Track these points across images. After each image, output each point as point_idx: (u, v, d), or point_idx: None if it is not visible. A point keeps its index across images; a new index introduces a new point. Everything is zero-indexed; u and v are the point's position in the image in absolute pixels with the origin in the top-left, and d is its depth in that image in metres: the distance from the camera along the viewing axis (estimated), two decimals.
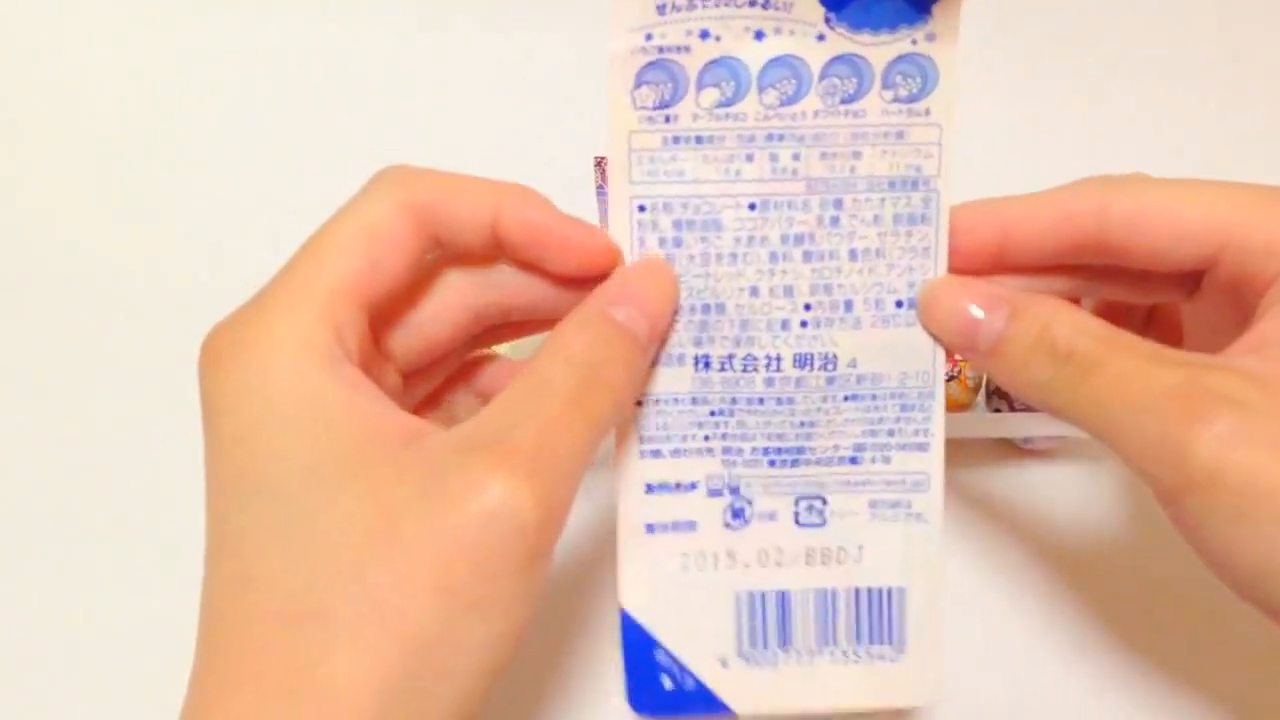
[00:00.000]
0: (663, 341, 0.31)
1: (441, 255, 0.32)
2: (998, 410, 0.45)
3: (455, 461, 0.25)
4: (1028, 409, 0.44)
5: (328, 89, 0.61)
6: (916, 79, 0.30)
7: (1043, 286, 0.31)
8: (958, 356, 0.45)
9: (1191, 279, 0.31)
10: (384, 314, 0.30)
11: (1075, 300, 0.32)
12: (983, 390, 0.47)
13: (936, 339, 0.31)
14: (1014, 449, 0.47)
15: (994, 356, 0.30)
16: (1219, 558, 0.26)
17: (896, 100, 0.30)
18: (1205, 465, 0.25)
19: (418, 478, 0.25)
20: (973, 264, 0.31)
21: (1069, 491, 0.46)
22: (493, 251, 0.31)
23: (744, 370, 0.31)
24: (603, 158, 0.57)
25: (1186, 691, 0.41)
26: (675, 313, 0.31)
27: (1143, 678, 0.41)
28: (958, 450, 0.47)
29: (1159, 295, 0.32)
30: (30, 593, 0.43)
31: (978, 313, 0.30)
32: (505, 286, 0.31)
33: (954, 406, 0.45)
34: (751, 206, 0.30)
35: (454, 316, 0.32)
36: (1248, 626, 0.42)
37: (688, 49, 0.29)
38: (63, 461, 0.48)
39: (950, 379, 0.45)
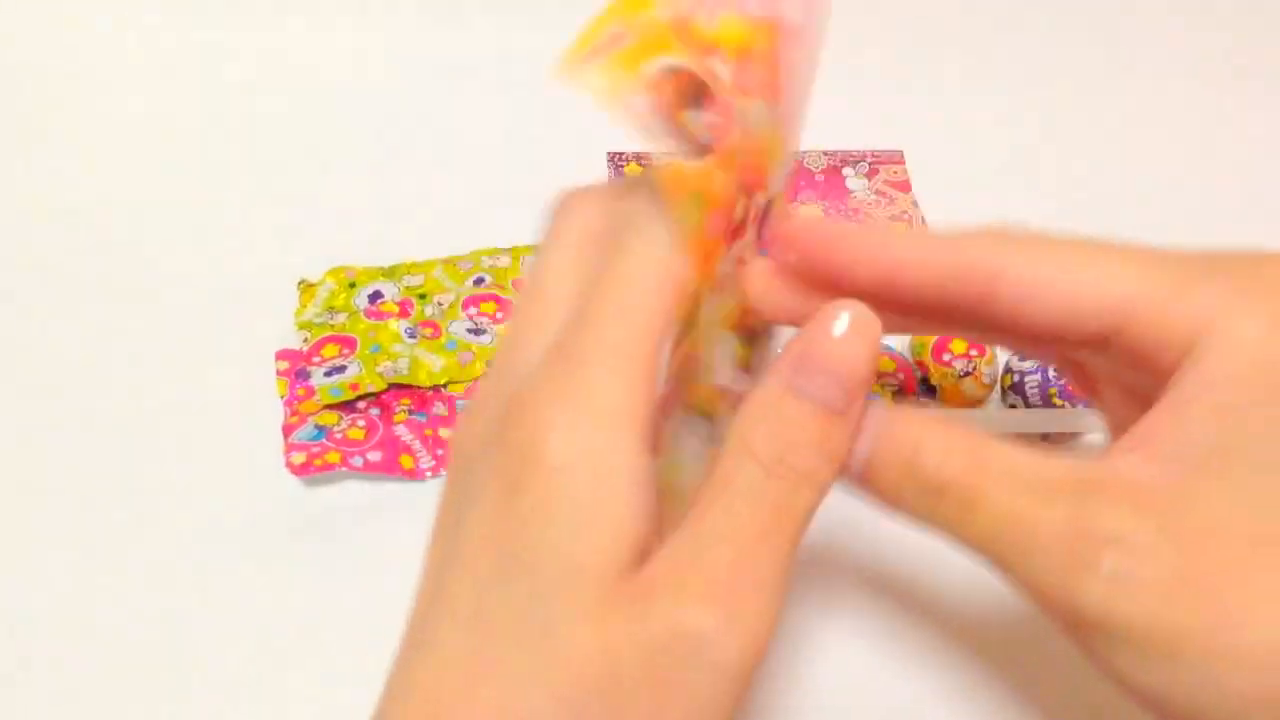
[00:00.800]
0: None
1: None
2: (1013, 406, 0.45)
3: (660, 601, 0.24)
4: (1044, 404, 0.44)
5: (338, 86, 0.62)
6: None
7: (927, 327, 0.30)
8: (972, 353, 0.45)
9: (1097, 340, 0.27)
10: None
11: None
12: (998, 386, 0.46)
13: None
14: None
15: (866, 484, 0.27)
16: (1125, 687, 0.25)
17: None
18: (1095, 612, 0.24)
19: (633, 599, 0.24)
20: (870, 295, 0.27)
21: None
22: None
23: None
24: (617, 153, 0.57)
25: None
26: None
27: None
28: None
29: (1059, 355, 0.30)
30: (33, 593, 0.44)
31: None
32: None
33: (969, 402, 0.45)
34: None
35: None
36: None
37: None
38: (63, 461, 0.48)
39: (965, 375, 0.45)
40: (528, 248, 0.53)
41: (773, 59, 0.28)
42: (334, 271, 0.51)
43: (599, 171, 0.56)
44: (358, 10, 0.66)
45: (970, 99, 0.63)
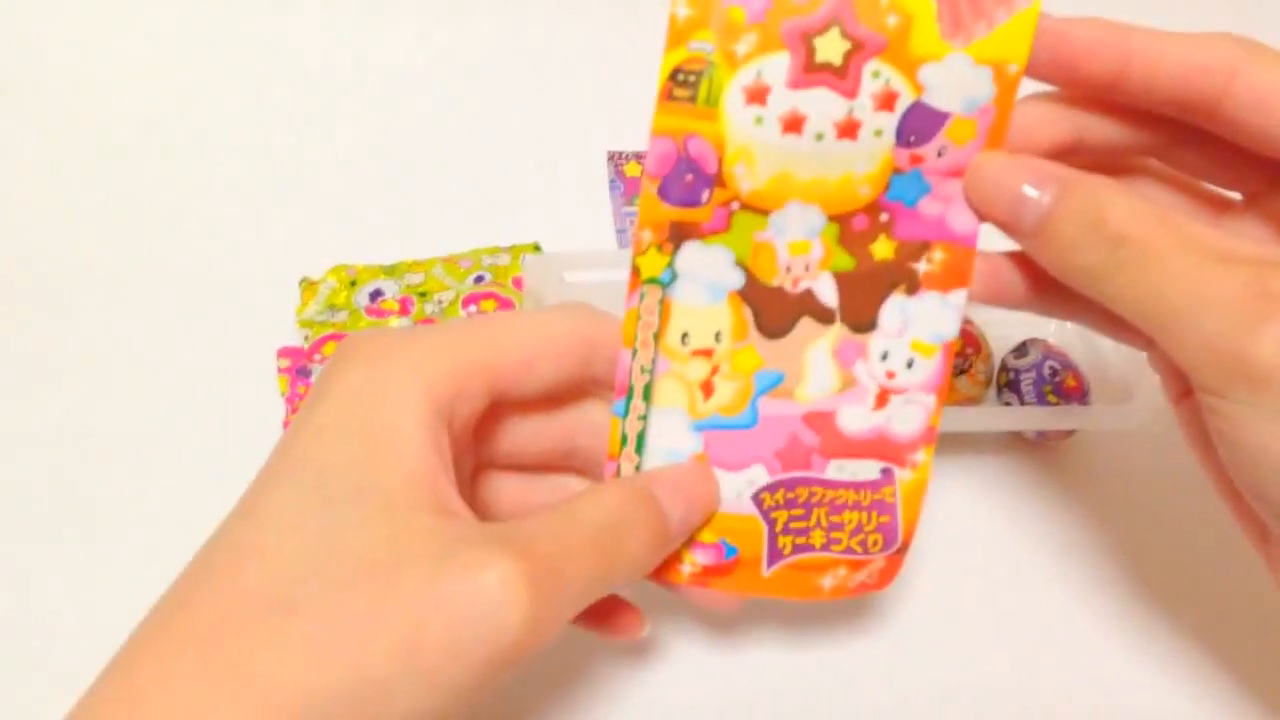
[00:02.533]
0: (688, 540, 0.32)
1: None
2: (1008, 404, 0.46)
3: (476, 541, 0.26)
4: (1039, 402, 0.44)
5: (339, 85, 0.62)
6: None
7: (1135, 122, 0.30)
8: (968, 350, 0.45)
9: (1278, 170, 0.29)
10: (508, 407, 0.31)
11: (1148, 168, 0.32)
12: (993, 384, 0.47)
13: (980, 215, 0.30)
14: (1024, 442, 0.47)
15: (1039, 237, 0.28)
16: (1251, 454, 0.26)
17: None
18: (1262, 365, 0.25)
19: (436, 543, 0.26)
20: (1093, 84, 0.29)
21: (1079, 485, 0.46)
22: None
23: None
24: (616, 152, 0.57)
25: (1193, 684, 0.40)
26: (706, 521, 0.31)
27: (1150, 669, 0.41)
28: (968, 443, 0.47)
29: (1241, 181, 0.31)
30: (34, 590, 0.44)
31: (1025, 189, 0.28)
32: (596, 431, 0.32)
33: (964, 400, 0.45)
34: None
35: (553, 440, 0.33)
36: (1256, 617, 0.42)
37: None
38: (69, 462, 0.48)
39: (960, 373, 0.45)
40: (528, 246, 0.53)
41: None
42: (335, 270, 0.51)
43: (599, 170, 0.57)
44: (359, 9, 0.66)
45: None
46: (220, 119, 0.61)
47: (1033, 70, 0.29)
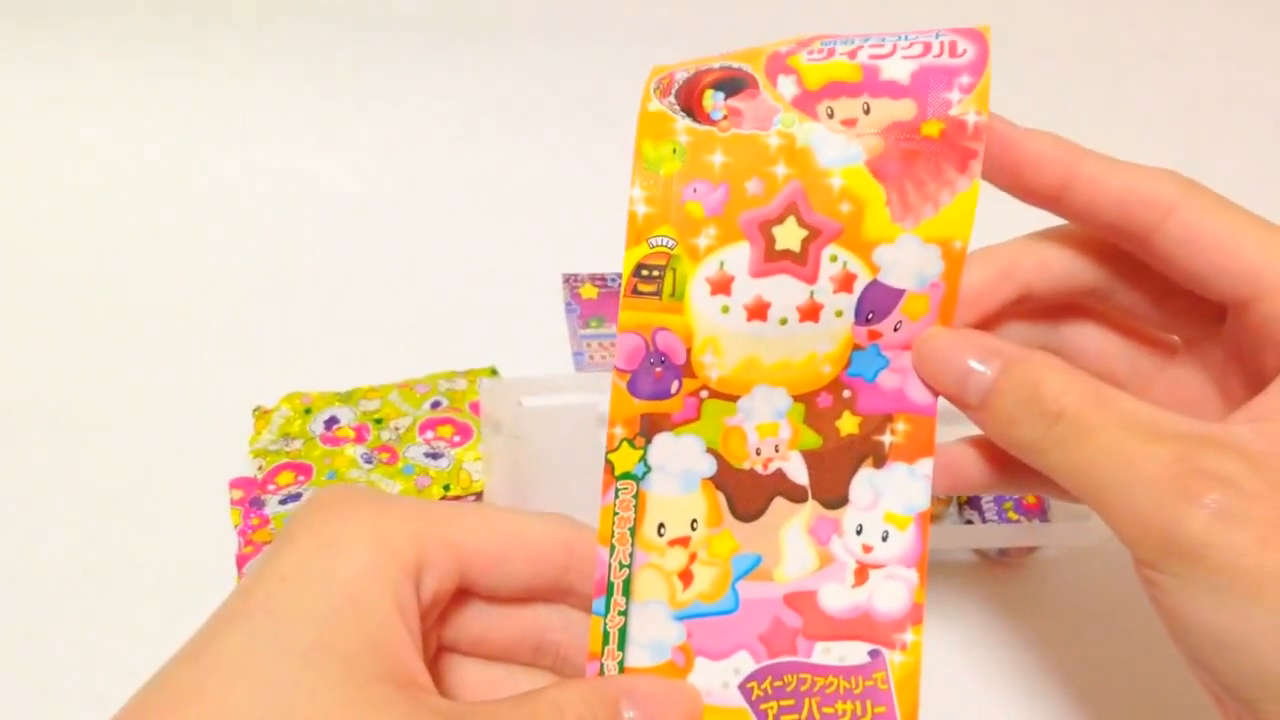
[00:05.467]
0: None
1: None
2: (969, 522, 0.45)
3: None
4: (1000, 519, 0.44)
5: (297, 209, 0.62)
6: None
7: (1074, 269, 0.31)
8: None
9: (1215, 316, 0.30)
10: (478, 594, 0.31)
11: (1093, 310, 0.33)
12: (954, 501, 0.46)
13: (929, 387, 0.31)
14: (987, 560, 0.47)
15: (983, 410, 0.30)
16: (1187, 626, 0.26)
17: None
18: (1190, 542, 0.25)
19: (396, 715, 0.25)
20: (1036, 195, 0.30)
21: (1042, 601, 0.46)
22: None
23: None
24: (571, 274, 0.58)
25: None
26: None
27: None
28: (930, 561, 0.47)
29: (1179, 326, 0.32)
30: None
31: (970, 364, 0.30)
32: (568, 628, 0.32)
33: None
34: None
35: (521, 630, 0.32)
36: None
37: None
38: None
39: None
40: (484, 370, 0.53)
41: (853, 89, 0.30)
42: (289, 398, 0.51)
43: (555, 293, 0.57)
44: (313, 135, 0.67)
45: None
46: (171, 246, 0.61)
47: (985, 174, 0.30)
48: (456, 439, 0.49)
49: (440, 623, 0.30)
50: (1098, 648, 0.44)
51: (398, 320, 0.58)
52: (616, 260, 0.60)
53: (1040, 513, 0.44)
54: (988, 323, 0.32)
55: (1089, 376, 0.29)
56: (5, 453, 0.52)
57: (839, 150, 0.30)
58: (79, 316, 0.58)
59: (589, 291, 0.57)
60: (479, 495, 0.47)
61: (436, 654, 0.31)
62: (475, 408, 0.50)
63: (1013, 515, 0.44)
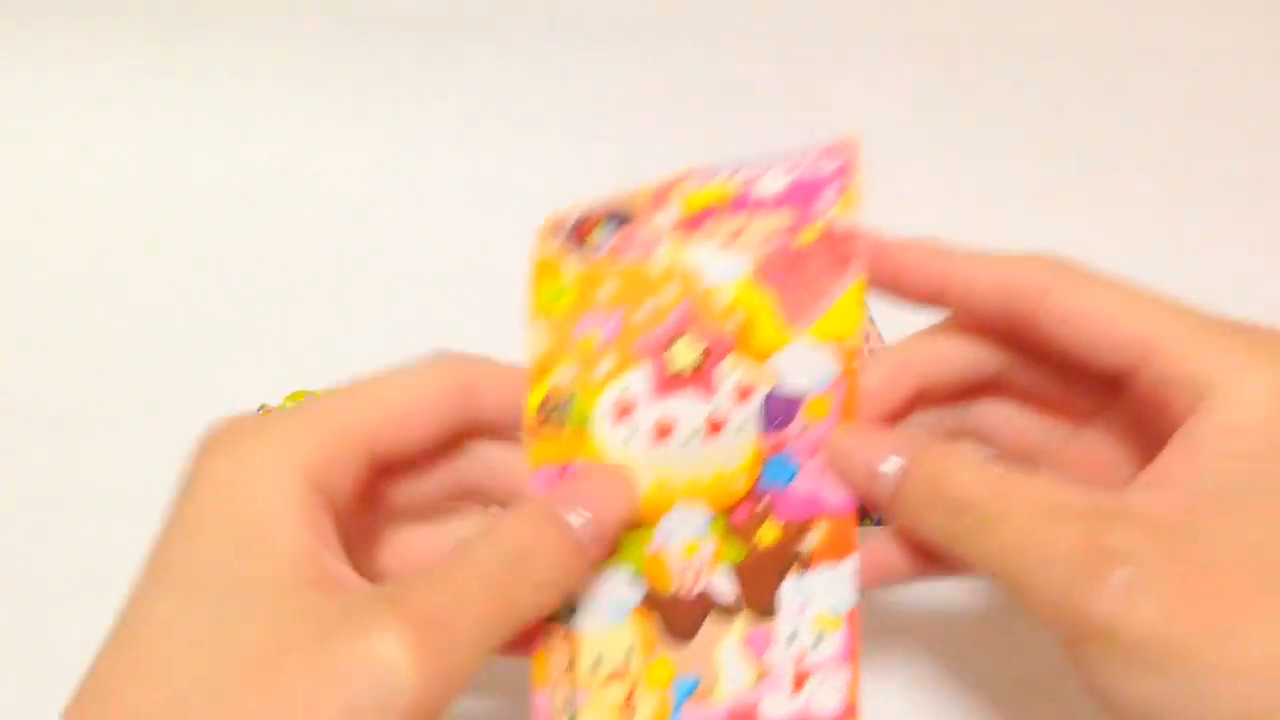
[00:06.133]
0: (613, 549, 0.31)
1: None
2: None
3: (360, 609, 0.26)
4: None
5: (299, 210, 0.62)
6: None
7: (970, 357, 0.33)
8: None
9: (1112, 385, 0.31)
10: (395, 465, 0.32)
11: (1000, 387, 0.34)
12: None
13: (844, 488, 0.32)
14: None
15: (894, 506, 0.31)
16: (1112, 702, 0.27)
17: None
18: (1101, 621, 0.26)
19: (321, 619, 0.26)
20: (916, 298, 0.32)
21: (986, 606, 0.46)
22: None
23: None
24: None
25: None
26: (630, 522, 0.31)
27: None
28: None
29: (1078, 398, 0.34)
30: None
31: (876, 464, 0.31)
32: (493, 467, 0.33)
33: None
34: None
35: (447, 485, 0.34)
36: None
37: None
38: None
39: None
40: None
41: (732, 207, 0.32)
42: (294, 396, 0.51)
43: None
44: (316, 136, 0.67)
45: (932, 214, 0.65)
46: (173, 245, 0.60)
47: (869, 282, 0.32)
48: None
49: (368, 504, 0.31)
50: (1046, 650, 0.44)
51: (400, 319, 0.58)
52: None
53: None
54: (895, 415, 0.33)
55: (993, 463, 0.30)
56: (5, 452, 0.52)
57: (724, 266, 0.31)
58: (80, 316, 0.58)
59: None
60: None
61: (376, 533, 0.32)
62: None
63: None
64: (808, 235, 0.31)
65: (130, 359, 0.56)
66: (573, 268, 0.31)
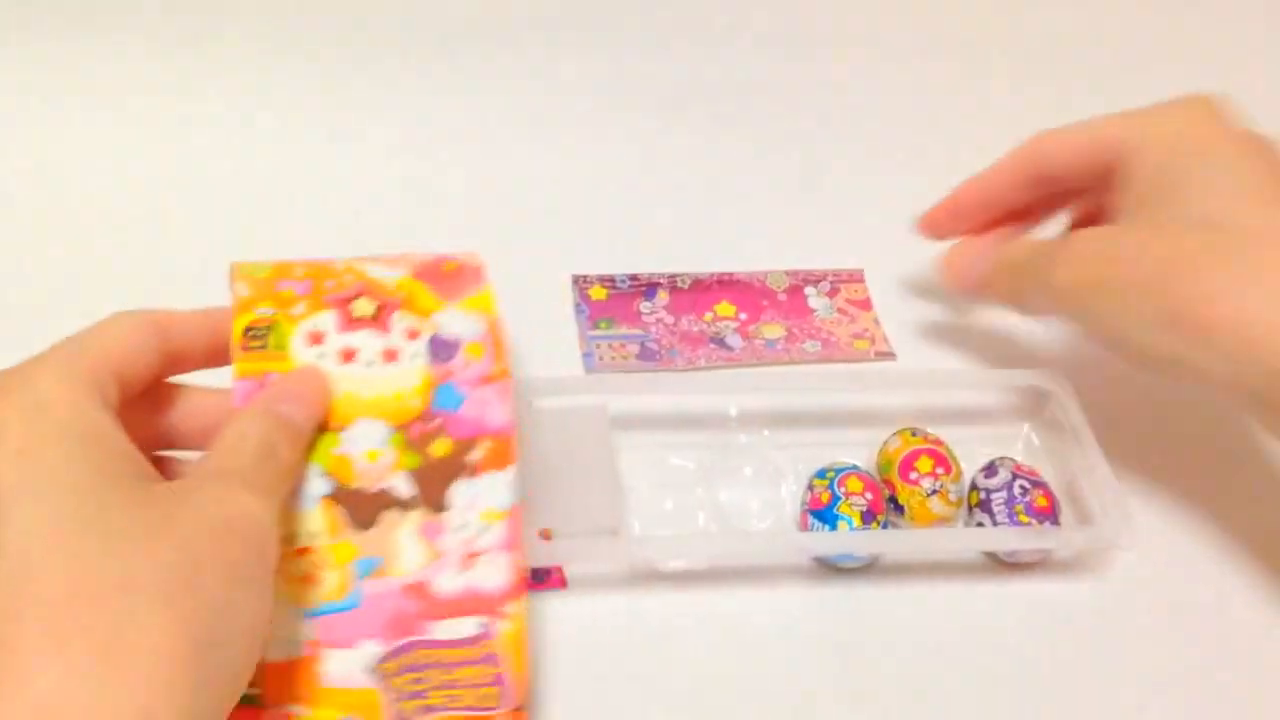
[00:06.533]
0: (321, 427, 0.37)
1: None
2: (980, 524, 0.45)
3: (210, 480, 0.32)
4: (1010, 522, 0.44)
5: (307, 207, 0.62)
6: None
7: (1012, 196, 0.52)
8: (939, 471, 0.45)
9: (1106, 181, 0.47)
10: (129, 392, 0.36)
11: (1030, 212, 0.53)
12: (965, 504, 0.47)
13: (953, 286, 0.53)
14: (997, 562, 0.47)
15: (985, 287, 0.51)
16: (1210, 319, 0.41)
17: None
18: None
19: (182, 489, 0.31)
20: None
21: (1051, 606, 0.46)
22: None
23: None
24: (580, 275, 0.58)
25: None
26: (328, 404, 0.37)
27: None
28: (940, 564, 0.47)
29: (1088, 197, 0.50)
30: None
31: (971, 261, 0.52)
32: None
33: (937, 520, 0.45)
34: None
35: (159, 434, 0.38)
36: None
37: None
38: None
39: (933, 494, 0.45)
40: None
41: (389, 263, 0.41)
42: None
43: (565, 295, 0.57)
44: (320, 136, 0.67)
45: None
46: (174, 244, 0.60)
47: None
48: None
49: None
50: (1105, 651, 0.44)
51: None
52: (626, 261, 0.61)
53: (1051, 514, 0.45)
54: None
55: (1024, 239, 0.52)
56: None
57: (387, 272, 0.40)
58: (81, 316, 0.58)
59: (598, 293, 0.57)
60: None
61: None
62: None
63: (1023, 518, 0.44)
64: (449, 266, 0.41)
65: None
66: (268, 265, 0.40)
